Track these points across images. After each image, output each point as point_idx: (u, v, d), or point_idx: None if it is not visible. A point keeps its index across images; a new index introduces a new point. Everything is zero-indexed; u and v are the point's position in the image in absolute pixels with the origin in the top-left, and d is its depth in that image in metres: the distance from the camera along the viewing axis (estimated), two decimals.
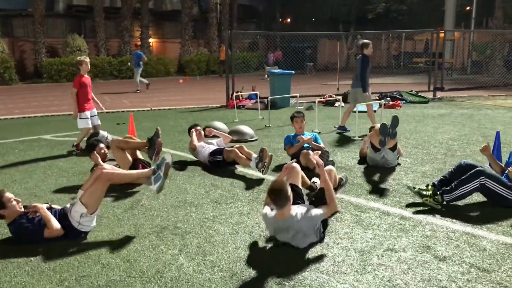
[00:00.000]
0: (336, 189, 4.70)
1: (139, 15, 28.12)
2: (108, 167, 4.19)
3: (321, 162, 4.16)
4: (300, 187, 4.23)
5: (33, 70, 25.21)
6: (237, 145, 6.32)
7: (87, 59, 7.70)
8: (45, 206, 4.02)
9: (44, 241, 3.85)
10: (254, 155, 5.82)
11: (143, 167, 5.64)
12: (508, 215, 4.33)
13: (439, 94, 14.60)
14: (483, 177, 4.45)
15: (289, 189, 3.65)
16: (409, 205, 4.67)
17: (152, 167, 4.25)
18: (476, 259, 3.49)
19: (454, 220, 4.25)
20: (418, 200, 4.77)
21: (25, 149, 7.79)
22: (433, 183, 4.82)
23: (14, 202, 3.89)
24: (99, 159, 5.02)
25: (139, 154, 5.94)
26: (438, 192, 4.57)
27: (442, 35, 15.83)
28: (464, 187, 4.50)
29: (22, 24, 27.15)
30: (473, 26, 23.97)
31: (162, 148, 5.64)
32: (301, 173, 4.42)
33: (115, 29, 28.48)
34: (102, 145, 5.83)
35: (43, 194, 5.30)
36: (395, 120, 5.97)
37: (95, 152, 5.28)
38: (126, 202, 4.91)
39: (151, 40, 29.50)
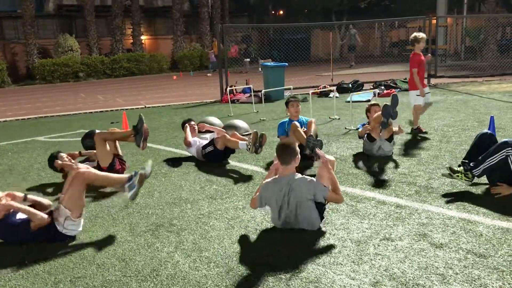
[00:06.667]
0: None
1: (130, 12, 27.93)
2: (83, 166, 4.14)
3: (325, 158, 4.03)
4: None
5: (26, 72, 25.03)
6: (231, 133, 6.40)
7: (424, 36, 7.33)
8: (20, 195, 4.04)
9: (33, 240, 3.84)
10: (245, 142, 5.96)
11: (121, 165, 5.64)
12: (503, 200, 4.32)
13: (433, 81, 14.57)
14: (510, 148, 4.39)
15: (297, 148, 3.84)
16: (405, 194, 4.66)
17: (128, 175, 4.20)
18: (473, 245, 3.48)
19: (450, 207, 4.24)
20: (413, 188, 4.76)
21: (19, 151, 7.73)
22: (462, 162, 4.75)
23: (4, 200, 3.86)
24: (68, 163, 5.27)
25: (119, 151, 5.85)
26: (467, 168, 4.56)
27: (434, 21, 15.76)
28: (490, 159, 4.45)
29: (12, 26, 26.97)
30: (465, 12, 23.86)
31: (149, 133, 5.59)
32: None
33: (106, 27, 28.32)
34: (62, 154, 5.60)
35: (38, 196, 5.24)
36: (395, 98, 5.88)
37: (58, 161, 5.45)
38: (121, 201, 4.88)
39: (143, 37, 29.33)
